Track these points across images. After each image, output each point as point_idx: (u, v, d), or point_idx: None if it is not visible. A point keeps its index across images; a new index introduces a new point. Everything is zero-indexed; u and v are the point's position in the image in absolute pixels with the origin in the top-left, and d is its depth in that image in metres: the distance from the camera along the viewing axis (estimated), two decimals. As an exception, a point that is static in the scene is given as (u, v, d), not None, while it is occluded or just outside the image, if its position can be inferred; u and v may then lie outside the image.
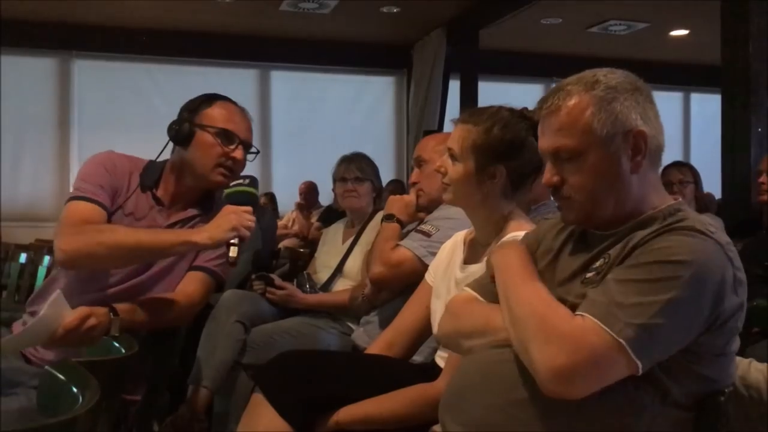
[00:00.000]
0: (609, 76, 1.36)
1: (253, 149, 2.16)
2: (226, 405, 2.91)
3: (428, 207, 2.36)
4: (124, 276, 2.02)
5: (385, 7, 6.67)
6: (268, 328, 2.98)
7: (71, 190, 2.07)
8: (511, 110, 1.87)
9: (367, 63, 8.00)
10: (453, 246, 1.97)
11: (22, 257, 4.95)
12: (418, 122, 7.53)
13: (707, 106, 8.45)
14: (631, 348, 1.18)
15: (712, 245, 1.24)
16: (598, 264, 1.32)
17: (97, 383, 1.28)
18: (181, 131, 2.07)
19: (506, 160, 1.79)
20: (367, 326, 2.38)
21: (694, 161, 4.79)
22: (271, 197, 7.26)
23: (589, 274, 1.32)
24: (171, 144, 2.11)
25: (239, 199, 1.94)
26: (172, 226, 2.06)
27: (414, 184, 2.43)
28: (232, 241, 1.83)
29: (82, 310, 1.79)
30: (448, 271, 1.92)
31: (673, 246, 1.23)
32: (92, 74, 7.33)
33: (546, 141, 1.38)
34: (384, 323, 2.24)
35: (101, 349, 1.80)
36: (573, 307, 1.28)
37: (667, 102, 9.00)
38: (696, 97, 9.02)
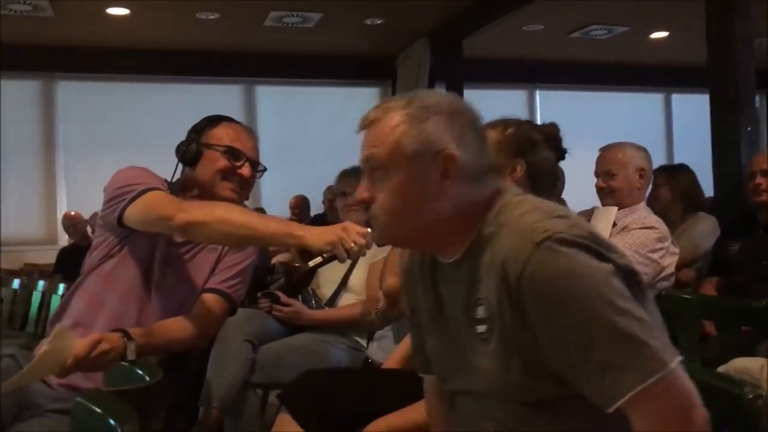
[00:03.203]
0: (428, 96, 1.32)
1: (261, 167, 2.17)
2: (237, 425, 2.89)
3: None
4: (133, 294, 2.01)
5: (368, 19, 6.70)
6: (276, 345, 2.97)
7: (100, 207, 2.04)
8: (522, 120, 1.96)
9: (352, 75, 8.03)
10: None
11: (15, 283, 4.88)
12: (404, 132, 7.55)
13: (688, 107, 8.55)
14: (668, 366, 1.09)
15: (575, 254, 1.13)
16: (481, 314, 1.23)
17: (135, 415, 1.27)
18: (189, 151, 2.08)
19: (524, 154, 1.84)
20: (382, 341, 2.38)
21: (679, 160, 4.84)
22: (261, 213, 7.24)
23: (479, 328, 1.24)
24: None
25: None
26: (182, 245, 2.06)
27: None
28: (324, 254, 1.74)
29: (93, 336, 1.78)
30: None
31: (554, 280, 1.12)
32: (76, 95, 7.29)
33: (361, 153, 1.34)
34: (398, 337, 2.25)
35: (122, 376, 1.78)
36: (479, 372, 1.23)
37: (648, 104, 9.11)
38: (677, 98, 9.11)
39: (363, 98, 8.32)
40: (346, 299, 3.09)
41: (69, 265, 5.69)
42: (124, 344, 1.81)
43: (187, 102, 7.27)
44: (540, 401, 1.19)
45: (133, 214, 1.91)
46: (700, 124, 4.96)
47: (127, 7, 6.10)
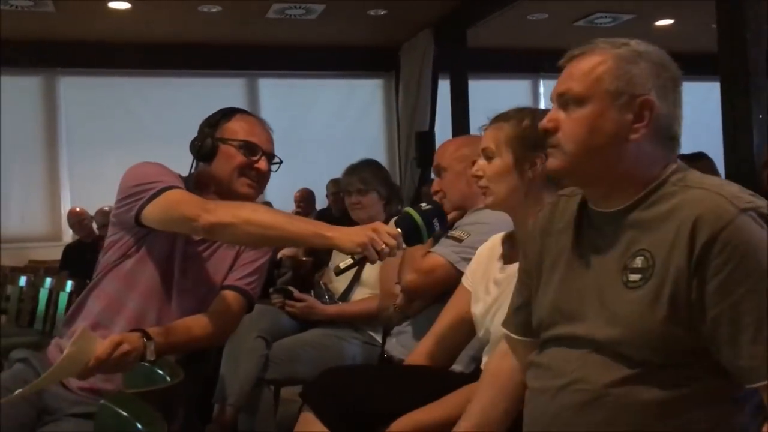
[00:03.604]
0: (641, 43, 1.35)
1: (276, 159, 2.13)
2: (251, 422, 2.87)
3: (456, 209, 2.33)
4: (154, 294, 1.98)
5: (371, 10, 6.65)
6: (290, 341, 2.95)
7: (114, 201, 1.97)
8: (535, 108, 1.92)
9: (355, 67, 7.98)
10: (491, 248, 1.95)
11: (22, 280, 4.87)
12: (409, 124, 7.51)
13: (693, 94, 8.48)
14: None
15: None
16: (638, 264, 1.27)
17: (162, 418, 1.25)
18: (204, 147, 2.04)
19: (544, 148, 1.79)
20: (400, 336, 2.35)
21: (684, 149, 4.80)
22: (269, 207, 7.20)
23: (632, 276, 1.27)
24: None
25: (401, 220, 1.80)
26: (201, 243, 2.03)
27: (437, 192, 2.41)
28: (355, 256, 1.70)
29: (114, 337, 1.75)
30: (486, 274, 1.91)
31: (748, 245, 1.18)
32: (79, 91, 7.24)
33: (556, 86, 1.37)
34: (418, 332, 2.22)
35: (142, 377, 1.76)
36: (616, 318, 1.26)
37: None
38: (683, 86, 9.05)
39: (366, 89, 8.30)
40: (359, 293, 3.06)
41: (75, 261, 5.68)
42: (143, 344, 1.78)
43: (190, 96, 7.24)
44: (656, 362, 1.23)
45: (153, 213, 1.86)
46: (705, 112, 4.92)
47: (128, 1, 6.05)
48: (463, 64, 7.06)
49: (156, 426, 1.22)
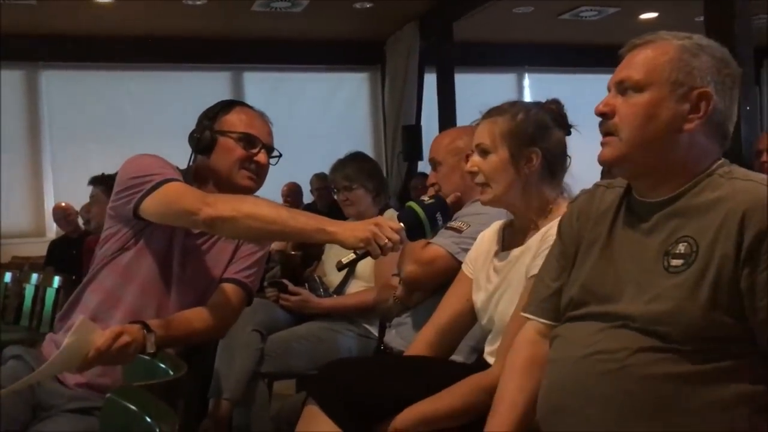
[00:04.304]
0: (703, 38, 1.37)
1: (275, 153, 2.11)
2: (246, 416, 2.85)
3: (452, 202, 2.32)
4: (153, 288, 1.96)
5: (357, 2, 6.63)
6: (285, 335, 2.93)
7: (116, 189, 1.93)
8: (527, 102, 1.92)
9: (340, 60, 7.96)
10: (491, 235, 1.95)
11: (7, 276, 4.79)
12: (395, 117, 7.51)
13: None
14: None
15: None
16: (682, 250, 1.29)
17: (173, 413, 1.23)
18: (203, 139, 2.01)
19: (539, 141, 1.80)
20: (399, 328, 2.34)
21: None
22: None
23: (674, 261, 1.30)
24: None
25: (404, 214, 1.79)
26: (200, 236, 2.01)
27: (432, 185, 2.40)
28: (357, 251, 1.70)
29: (114, 329, 1.72)
30: (487, 261, 1.90)
31: None
32: (61, 85, 7.18)
33: (616, 74, 1.39)
34: (418, 324, 2.20)
35: (144, 371, 1.73)
36: (656, 300, 1.28)
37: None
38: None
39: (351, 83, 8.27)
40: (354, 287, 3.05)
41: (60, 257, 5.60)
42: (143, 336, 1.76)
43: (174, 89, 7.19)
44: (690, 341, 1.25)
45: (152, 206, 1.83)
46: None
47: (111, -6, 6.00)
48: (450, 57, 7.06)
49: (167, 420, 1.20)
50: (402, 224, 1.72)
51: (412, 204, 1.78)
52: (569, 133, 1.88)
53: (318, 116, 7.88)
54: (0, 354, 2.12)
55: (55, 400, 1.88)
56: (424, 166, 7.25)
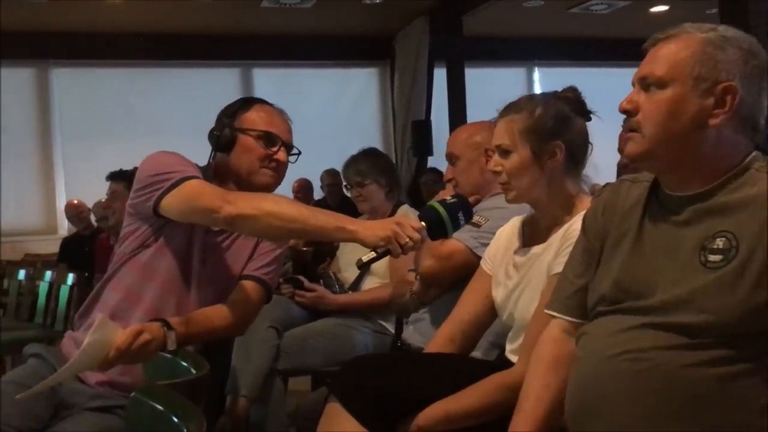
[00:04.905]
0: (729, 30, 1.34)
1: (295, 150, 2.11)
2: (263, 413, 2.85)
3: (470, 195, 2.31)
4: (173, 285, 1.95)
5: (366, -2, 6.63)
6: (300, 331, 2.93)
7: (134, 188, 1.94)
8: (544, 93, 1.87)
9: (349, 56, 7.95)
10: (510, 230, 1.94)
11: (21, 274, 4.81)
12: (404, 113, 7.50)
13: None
14: None
15: None
16: (720, 245, 1.27)
17: (200, 413, 1.22)
18: (223, 137, 2.01)
19: (561, 135, 1.78)
20: (417, 324, 2.33)
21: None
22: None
23: (712, 257, 1.28)
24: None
25: (426, 213, 1.77)
26: (220, 233, 2.00)
27: (450, 180, 2.39)
28: (378, 249, 1.69)
29: (134, 327, 1.72)
30: (506, 257, 1.89)
31: None
32: (71, 82, 7.20)
33: (639, 69, 1.37)
34: (436, 320, 2.20)
35: (165, 370, 1.73)
36: (693, 297, 1.26)
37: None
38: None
39: (361, 78, 8.26)
40: (369, 283, 3.04)
41: (73, 254, 5.61)
42: (164, 334, 1.76)
43: (184, 86, 7.19)
44: (726, 338, 1.24)
45: (172, 204, 1.83)
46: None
47: (122, -9, 6.01)
48: (459, 51, 7.04)
49: (194, 419, 1.19)
50: (423, 223, 1.71)
51: (434, 203, 1.77)
52: (589, 119, 1.85)
53: (327, 112, 7.87)
54: (20, 352, 2.12)
55: (77, 398, 1.88)
56: (433, 162, 7.24)
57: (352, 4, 6.73)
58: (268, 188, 2.01)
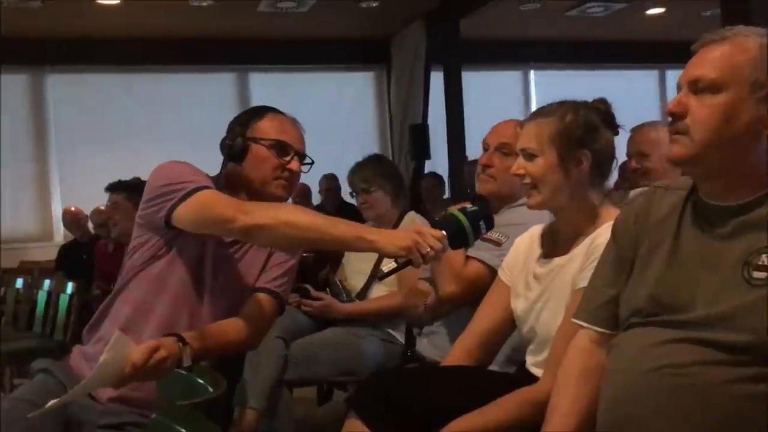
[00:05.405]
0: None
1: (308, 159, 2.07)
2: (271, 424, 2.81)
3: (497, 196, 2.26)
4: (185, 298, 1.91)
5: (363, 2, 6.58)
6: (308, 341, 2.90)
7: (144, 197, 1.89)
8: (575, 101, 1.83)
9: (346, 59, 7.92)
10: (529, 240, 1.90)
11: (18, 282, 4.76)
12: (402, 116, 7.46)
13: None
14: None
15: None
16: (766, 261, 1.23)
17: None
18: (235, 147, 1.97)
19: (589, 144, 1.75)
20: (432, 337, 2.30)
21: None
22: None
23: (757, 274, 1.24)
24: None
25: (446, 222, 1.74)
26: (232, 245, 1.97)
27: (486, 167, 2.29)
28: (398, 259, 1.65)
29: (150, 343, 1.68)
30: (525, 267, 1.86)
31: None
32: (67, 88, 7.14)
33: (689, 70, 1.32)
34: (452, 333, 2.16)
35: (180, 387, 1.69)
36: (737, 316, 1.23)
37: (643, 80, 9.08)
38: (672, 74, 9.10)
39: (357, 82, 8.23)
40: (377, 291, 3.01)
41: (70, 262, 5.56)
42: (179, 349, 1.71)
43: (181, 91, 7.14)
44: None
45: (185, 214, 1.79)
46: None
47: (117, -4, 5.95)
48: (457, 55, 7.01)
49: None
50: (444, 232, 1.68)
51: (455, 211, 1.74)
52: (617, 134, 1.83)
53: (324, 116, 7.82)
54: (21, 362, 2.08)
55: (87, 415, 1.84)
56: (431, 166, 7.21)
57: (349, 8, 6.70)
58: (281, 199, 1.98)
